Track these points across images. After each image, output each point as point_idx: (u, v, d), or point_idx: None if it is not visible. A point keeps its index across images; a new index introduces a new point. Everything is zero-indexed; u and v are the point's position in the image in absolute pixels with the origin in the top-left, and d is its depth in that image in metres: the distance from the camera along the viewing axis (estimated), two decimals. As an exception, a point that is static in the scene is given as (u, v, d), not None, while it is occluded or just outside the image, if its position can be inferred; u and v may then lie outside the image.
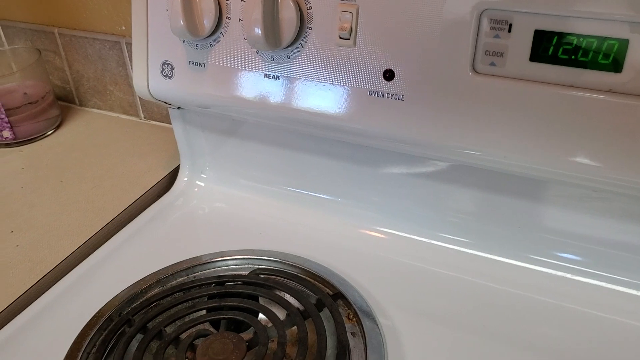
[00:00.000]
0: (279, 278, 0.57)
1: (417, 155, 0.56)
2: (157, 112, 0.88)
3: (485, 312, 0.54)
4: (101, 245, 0.64)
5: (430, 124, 0.50)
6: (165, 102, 0.65)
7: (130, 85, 0.87)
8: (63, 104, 0.96)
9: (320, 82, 0.54)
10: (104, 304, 0.55)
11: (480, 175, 0.56)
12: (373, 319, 0.52)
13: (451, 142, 0.50)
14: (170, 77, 0.61)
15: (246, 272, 0.58)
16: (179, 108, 0.68)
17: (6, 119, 0.81)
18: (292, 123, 0.58)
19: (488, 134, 0.48)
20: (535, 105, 0.46)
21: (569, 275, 0.56)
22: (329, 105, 0.54)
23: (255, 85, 0.57)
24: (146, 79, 0.63)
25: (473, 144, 0.49)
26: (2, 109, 0.80)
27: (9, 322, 0.55)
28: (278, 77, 0.56)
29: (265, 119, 0.60)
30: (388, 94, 0.51)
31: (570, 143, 0.46)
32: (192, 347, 0.49)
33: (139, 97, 0.88)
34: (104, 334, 0.52)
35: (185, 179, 0.73)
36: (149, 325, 0.52)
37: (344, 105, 0.53)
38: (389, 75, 0.51)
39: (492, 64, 0.47)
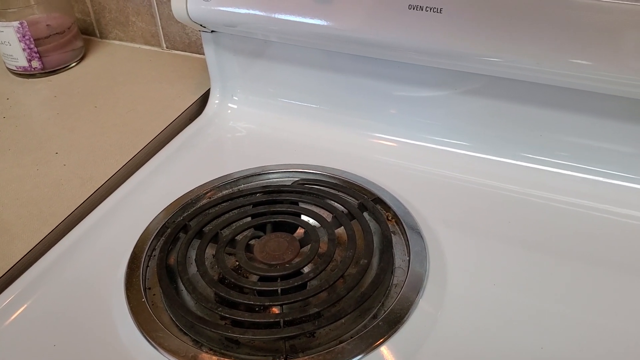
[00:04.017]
0: (321, 187, 0.60)
1: (450, 69, 0.59)
2: (180, 41, 0.90)
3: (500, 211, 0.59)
4: (143, 164, 0.67)
5: (468, 36, 0.53)
6: (201, 25, 0.67)
7: (153, 15, 0.89)
8: (84, 37, 0.97)
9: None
10: (157, 213, 0.59)
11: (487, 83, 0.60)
12: (411, 219, 0.56)
13: (487, 53, 0.53)
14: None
15: (289, 183, 0.62)
16: (212, 32, 0.70)
17: (35, 49, 0.83)
18: (329, 40, 0.61)
19: (524, 44, 0.51)
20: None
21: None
22: (366, 20, 0.57)
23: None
24: (185, 2, 0.65)
25: (509, 54, 0.52)
26: (32, 39, 0.81)
27: (68, 232, 0.58)
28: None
29: (301, 37, 0.63)
30: (427, 7, 0.53)
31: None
32: (247, 248, 0.53)
33: (162, 27, 0.90)
34: (162, 239, 0.56)
35: (217, 101, 0.76)
36: (205, 229, 0.56)
37: (381, 20, 0.56)
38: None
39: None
